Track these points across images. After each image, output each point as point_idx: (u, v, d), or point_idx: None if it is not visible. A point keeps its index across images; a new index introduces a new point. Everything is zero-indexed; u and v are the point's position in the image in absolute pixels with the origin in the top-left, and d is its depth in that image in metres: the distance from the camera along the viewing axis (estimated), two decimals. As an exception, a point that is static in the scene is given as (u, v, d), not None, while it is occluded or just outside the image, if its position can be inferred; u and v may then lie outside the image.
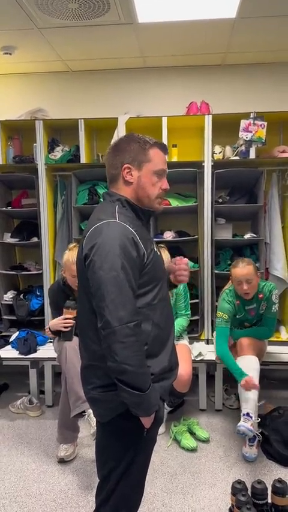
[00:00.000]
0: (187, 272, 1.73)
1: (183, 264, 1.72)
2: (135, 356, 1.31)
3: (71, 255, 2.68)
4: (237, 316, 2.93)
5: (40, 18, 3.05)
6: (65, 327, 2.68)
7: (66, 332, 2.70)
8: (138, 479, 1.52)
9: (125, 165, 1.47)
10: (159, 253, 1.56)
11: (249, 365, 2.76)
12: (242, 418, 2.57)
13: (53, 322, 2.75)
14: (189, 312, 3.25)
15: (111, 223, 1.38)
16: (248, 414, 2.56)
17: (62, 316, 2.70)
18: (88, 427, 2.91)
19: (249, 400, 2.61)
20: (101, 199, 3.56)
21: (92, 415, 2.41)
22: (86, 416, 2.48)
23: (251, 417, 2.56)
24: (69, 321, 2.66)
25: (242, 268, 2.75)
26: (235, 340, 2.95)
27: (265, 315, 2.92)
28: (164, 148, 1.54)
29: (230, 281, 2.96)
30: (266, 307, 2.90)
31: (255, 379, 2.67)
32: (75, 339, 2.72)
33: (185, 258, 1.74)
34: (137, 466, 1.48)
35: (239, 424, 2.55)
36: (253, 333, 2.93)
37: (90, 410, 2.43)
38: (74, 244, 2.87)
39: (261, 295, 2.86)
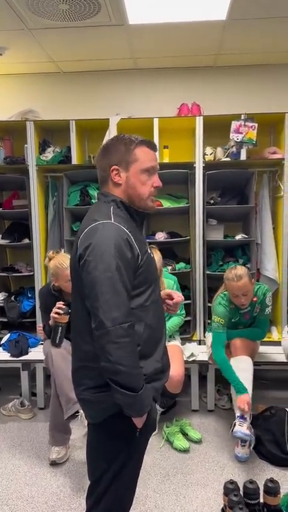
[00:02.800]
0: (175, 311, 1.77)
1: (178, 303, 1.73)
2: (128, 357, 1.31)
3: (58, 262, 2.66)
4: (232, 320, 2.93)
5: (31, 19, 3.04)
6: (58, 313, 2.65)
7: (55, 337, 2.69)
8: (130, 480, 1.52)
9: (113, 167, 1.47)
10: (152, 255, 1.56)
11: (243, 366, 2.76)
12: (237, 422, 2.57)
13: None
14: (184, 312, 3.27)
15: (106, 223, 1.38)
16: (242, 416, 2.57)
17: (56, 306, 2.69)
18: (80, 428, 2.91)
19: None
20: (93, 201, 3.55)
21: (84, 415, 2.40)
22: (80, 416, 2.48)
23: (245, 419, 2.56)
24: (61, 306, 2.64)
25: (237, 283, 2.70)
26: (229, 341, 2.95)
27: (258, 317, 2.93)
28: (151, 146, 1.52)
29: (224, 286, 2.94)
30: (259, 310, 2.91)
31: (249, 390, 2.67)
32: (63, 344, 2.71)
33: (181, 297, 1.76)
34: (129, 467, 1.48)
35: (235, 429, 2.55)
36: (246, 334, 2.94)
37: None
38: (52, 251, 2.84)
39: (255, 299, 2.86)
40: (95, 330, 1.32)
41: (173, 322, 3.17)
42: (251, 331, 2.96)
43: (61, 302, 2.68)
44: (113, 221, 1.38)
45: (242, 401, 2.58)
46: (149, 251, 1.53)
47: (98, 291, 1.31)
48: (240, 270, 2.76)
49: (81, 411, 2.45)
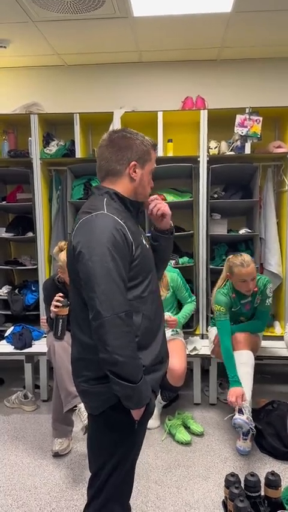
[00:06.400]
0: (161, 201, 1.64)
1: (153, 198, 1.64)
2: (126, 347, 1.32)
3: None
4: (232, 309, 2.93)
5: (35, 11, 3.03)
6: (56, 306, 2.68)
7: (57, 330, 2.71)
8: (129, 471, 1.53)
9: (133, 162, 1.49)
10: (148, 246, 1.57)
11: (244, 360, 2.76)
12: (237, 413, 2.57)
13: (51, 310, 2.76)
14: (195, 297, 3.32)
15: (100, 215, 1.39)
16: (240, 410, 2.56)
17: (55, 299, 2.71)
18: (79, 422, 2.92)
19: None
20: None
21: (82, 409, 2.42)
22: (77, 411, 2.49)
23: (243, 413, 2.56)
24: (59, 298, 2.67)
25: (247, 268, 2.71)
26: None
27: (259, 308, 2.94)
28: (156, 148, 1.61)
29: (224, 279, 2.92)
30: (260, 300, 2.92)
31: (247, 386, 2.66)
32: (66, 337, 2.72)
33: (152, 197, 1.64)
34: (128, 458, 1.50)
35: (235, 417, 2.55)
36: (247, 328, 2.94)
37: (81, 405, 2.44)
38: (65, 242, 2.82)
39: (256, 289, 2.87)
40: (92, 320, 1.32)
41: (187, 308, 3.22)
42: (252, 324, 2.97)
43: (60, 294, 2.69)
44: (106, 212, 1.40)
45: (232, 394, 2.58)
46: (144, 242, 1.54)
47: (94, 281, 1.31)
48: (246, 256, 2.80)
49: (79, 405, 2.47)
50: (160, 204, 1.63)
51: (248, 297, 2.88)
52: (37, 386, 3.47)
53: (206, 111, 3.54)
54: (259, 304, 2.93)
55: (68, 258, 1.48)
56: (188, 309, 3.23)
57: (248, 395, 2.64)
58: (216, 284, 3.01)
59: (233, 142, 3.57)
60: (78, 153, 3.65)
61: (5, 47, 3.59)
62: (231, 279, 2.86)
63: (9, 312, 3.85)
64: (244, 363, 2.74)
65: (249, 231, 3.66)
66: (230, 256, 2.87)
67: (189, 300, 3.25)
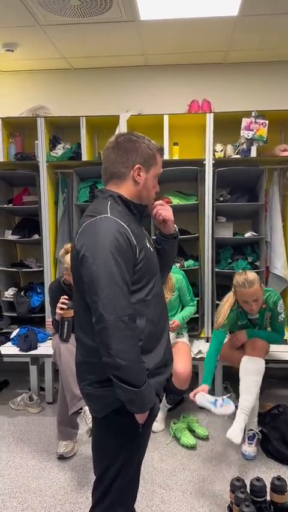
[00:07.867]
0: (164, 206, 1.63)
1: (158, 204, 1.63)
2: (129, 350, 1.31)
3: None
4: (238, 323, 2.90)
5: (42, 15, 3.05)
6: (61, 309, 2.70)
7: (62, 332, 2.72)
8: (133, 474, 1.53)
9: (137, 165, 1.49)
10: (152, 250, 1.57)
11: (257, 368, 2.71)
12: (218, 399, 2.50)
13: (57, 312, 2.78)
14: (195, 300, 3.32)
15: (104, 218, 1.39)
16: (215, 402, 2.50)
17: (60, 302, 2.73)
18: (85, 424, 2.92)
19: (247, 400, 2.60)
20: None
21: (87, 412, 2.42)
22: (82, 413, 2.49)
23: (217, 403, 2.49)
24: (64, 301, 2.69)
25: (249, 289, 2.61)
26: (248, 339, 2.87)
27: (274, 324, 2.88)
28: (163, 153, 1.61)
29: (233, 293, 2.81)
30: (271, 317, 2.87)
31: (253, 393, 2.62)
32: (71, 340, 2.73)
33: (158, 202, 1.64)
34: (132, 463, 1.49)
35: (206, 399, 2.49)
36: (266, 337, 2.88)
37: (86, 408, 2.44)
38: (71, 244, 2.83)
39: (264, 306, 2.80)
40: (95, 324, 1.32)
41: (187, 310, 3.22)
42: (271, 335, 2.91)
43: (65, 296, 2.70)
44: (109, 215, 1.40)
45: (198, 389, 2.55)
46: (148, 245, 1.54)
47: (97, 285, 1.31)
48: (251, 275, 2.67)
49: (85, 408, 2.47)
50: (162, 210, 1.62)
51: (257, 314, 2.83)
52: (42, 389, 3.48)
53: (212, 114, 3.55)
54: (273, 321, 2.87)
55: (72, 262, 1.48)
56: (188, 310, 3.23)
57: (252, 401, 2.61)
58: (228, 300, 2.83)
59: (239, 146, 3.57)
60: (85, 156, 3.66)
61: (12, 51, 3.61)
62: (235, 296, 2.78)
63: (14, 314, 3.86)
64: (256, 371, 2.69)
65: (255, 234, 3.65)
66: (237, 272, 2.76)
67: (191, 303, 3.26)
